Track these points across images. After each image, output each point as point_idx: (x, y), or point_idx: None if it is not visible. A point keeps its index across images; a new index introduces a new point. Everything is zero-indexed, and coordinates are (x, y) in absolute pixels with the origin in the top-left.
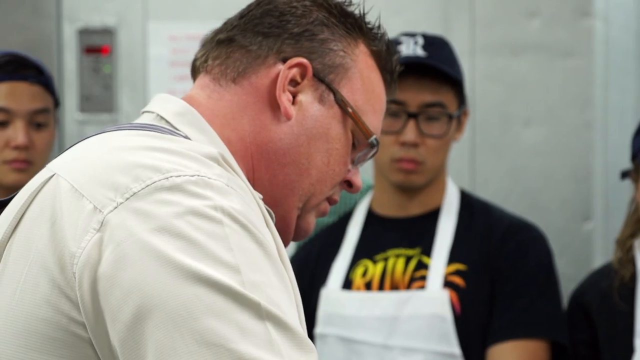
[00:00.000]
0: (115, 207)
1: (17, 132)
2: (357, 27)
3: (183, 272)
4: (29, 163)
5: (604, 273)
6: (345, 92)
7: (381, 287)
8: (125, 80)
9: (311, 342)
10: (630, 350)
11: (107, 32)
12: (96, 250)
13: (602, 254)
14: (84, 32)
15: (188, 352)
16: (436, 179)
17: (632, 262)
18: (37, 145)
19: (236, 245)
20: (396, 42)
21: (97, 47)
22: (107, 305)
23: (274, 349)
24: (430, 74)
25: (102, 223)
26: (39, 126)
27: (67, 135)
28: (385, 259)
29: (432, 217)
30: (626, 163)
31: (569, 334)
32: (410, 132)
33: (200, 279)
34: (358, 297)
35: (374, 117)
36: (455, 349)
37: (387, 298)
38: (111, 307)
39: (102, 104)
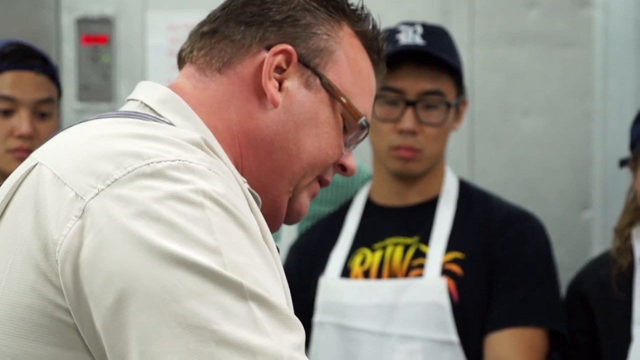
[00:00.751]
0: (97, 194)
1: (22, 121)
2: (339, 9)
3: (164, 255)
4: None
5: (602, 262)
6: (332, 75)
7: (379, 276)
8: (124, 70)
9: (298, 320)
10: (628, 338)
11: (106, 22)
12: (78, 237)
13: (600, 243)
14: (82, 22)
15: (171, 335)
16: (435, 167)
17: (630, 250)
18: (41, 135)
19: (218, 227)
20: (395, 31)
21: (96, 36)
22: (90, 291)
23: (258, 328)
24: (428, 62)
25: (83, 210)
26: (43, 116)
27: (65, 124)
28: (384, 248)
29: (430, 206)
30: (625, 153)
31: (567, 323)
32: (408, 120)
33: (181, 262)
34: (356, 286)
35: (363, 99)
36: (453, 336)
37: (385, 286)
38: (94, 293)
39: (100, 93)
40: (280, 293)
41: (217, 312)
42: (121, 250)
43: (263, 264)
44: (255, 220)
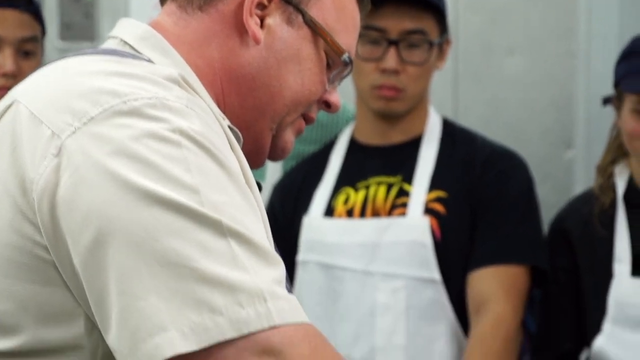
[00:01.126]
0: (73, 132)
1: (6, 60)
2: None
3: (141, 193)
4: None
5: (585, 200)
6: (314, 11)
7: (362, 214)
8: (107, 9)
9: (278, 256)
10: (609, 275)
11: None
12: (54, 176)
13: (583, 182)
14: None
15: (150, 273)
16: (418, 107)
17: (613, 188)
18: (25, 73)
19: (195, 166)
20: None
21: None
22: (67, 229)
23: (238, 265)
24: (411, 1)
25: (60, 148)
26: (26, 54)
27: (47, 63)
28: (367, 187)
29: (413, 145)
30: (608, 91)
31: (549, 260)
32: (390, 59)
33: (159, 200)
34: (339, 224)
35: (347, 35)
36: (436, 274)
37: (368, 225)
38: (72, 231)
39: (83, 32)
40: (260, 230)
41: (196, 249)
42: (98, 188)
43: (242, 201)
44: (235, 158)
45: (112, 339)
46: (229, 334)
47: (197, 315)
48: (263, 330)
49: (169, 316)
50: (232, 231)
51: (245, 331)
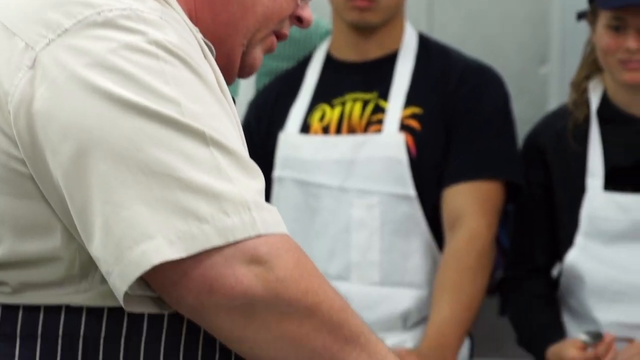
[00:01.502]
0: (47, 44)
1: None
2: None
3: (123, 104)
4: None
5: (559, 115)
6: None
7: (338, 131)
8: None
9: (258, 168)
10: (582, 190)
11: None
12: (29, 88)
13: (557, 97)
14: None
15: (135, 183)
16: (393, 20)
17: (587, 103)
18: None
19: (173, 78)
20: None
21: None
22: (46, 142)
23: (222, 174)
24: None
25: (34, 60)
26: None
27: None
28: (343, 103)
29: (389, 61)
30: (583, 6)
31: (524, 175)
32: None
33: (141, 111)
34: (315, 141)
35: None
36: (411, 190)
37: (344, 142)
38: (51, 143)
39: None
40: (238, 141)
41: (180, 158)
42: (78, 100)
43: (220, 111)
44: (210, 70)
45: (96, 248)
46: (216, 241)
47: (183, 223)
48: (250, 239)
49: (155, 224)
50: (214, 141)
51: (231, 239)
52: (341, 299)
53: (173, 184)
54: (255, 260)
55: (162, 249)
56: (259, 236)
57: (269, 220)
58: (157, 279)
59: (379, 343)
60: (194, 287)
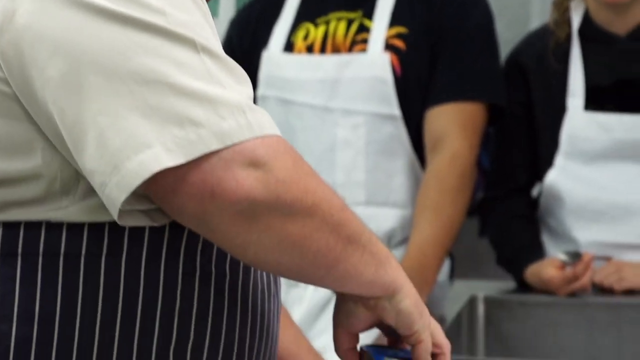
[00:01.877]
0: None
1: None
2: None
3: (109, 16)
4: None
5: (540, 34)
6: None
7: (323, 50)
8: None
9: (246, 75)
10: (563, 109)
11: None
12: (10, 4)
13: (539, 16)
14: None
15: (129, 92)
16: None
17: (568, 22)
18: None
19: None
20: None
21: None
22: (31, 59)
23: (213, 80)
24: None
25: None
26: None
27: None
28: (327, 22)
29: None
30: None
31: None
32: None
33: (128, 21)
34: (299, 60)
35: None
36: (395, 110)
37: (329, 61)
38: (37, 61)
39: None
40: (222, 51)
41: (171, 65)
42: (63, 15)
43: (204, 21)
44: None
45: (89, 160)
46: (214, 145)
47: (179, 130)
48: (247, 141)
49: (152, 132)
50: (204, 48)
51: (228, 142)
52: (339, 198)
53: (167, 91)
54: (254, 162)
55: (161, 156)
56: (255, 138)
57: (264, 123)
58: (156, 188)
59: (380, 243)
60: (195, 193)
